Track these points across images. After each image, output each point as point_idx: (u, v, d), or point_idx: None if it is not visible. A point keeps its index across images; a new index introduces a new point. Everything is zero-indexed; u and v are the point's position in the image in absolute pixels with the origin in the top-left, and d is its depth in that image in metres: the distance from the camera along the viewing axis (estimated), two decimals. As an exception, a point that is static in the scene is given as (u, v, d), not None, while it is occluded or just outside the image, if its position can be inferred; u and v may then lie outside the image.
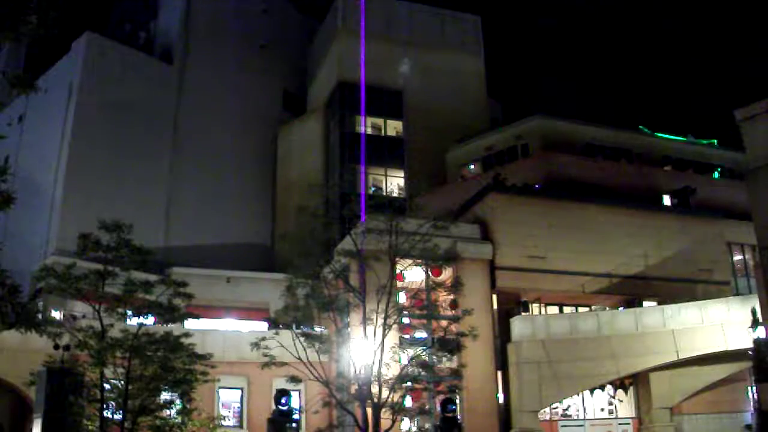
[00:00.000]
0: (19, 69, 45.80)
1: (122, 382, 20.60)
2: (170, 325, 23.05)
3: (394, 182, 45.21)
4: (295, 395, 24.01)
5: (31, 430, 17.23)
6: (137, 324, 21.56)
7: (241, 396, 29.33)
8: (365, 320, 22.05)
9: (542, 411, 29.78)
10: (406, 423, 26.82)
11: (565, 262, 32.55)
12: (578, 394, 31.11)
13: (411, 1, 49.96)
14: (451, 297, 25.67)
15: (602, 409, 32.06)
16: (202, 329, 28.57)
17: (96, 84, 41.68)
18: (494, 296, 31.49)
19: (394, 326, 23.34)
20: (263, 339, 22.01)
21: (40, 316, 18.53)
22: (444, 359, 24.09)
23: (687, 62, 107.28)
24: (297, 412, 22.81)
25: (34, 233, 38.87)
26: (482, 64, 50.12)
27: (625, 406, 32.13)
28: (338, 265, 24.47)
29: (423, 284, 27.20)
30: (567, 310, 33.68)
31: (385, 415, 21.32)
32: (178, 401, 22.35)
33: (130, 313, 22.36)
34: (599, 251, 33.46)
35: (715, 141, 46.35)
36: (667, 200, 40.08)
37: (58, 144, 40.53)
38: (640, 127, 44.92)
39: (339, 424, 25.61)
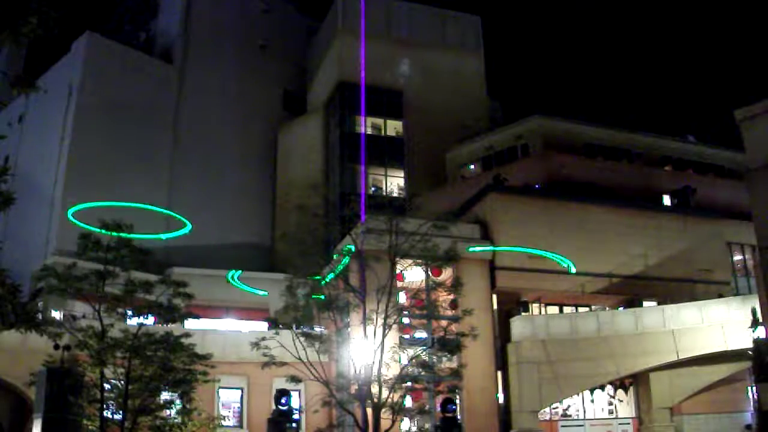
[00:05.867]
0: (19, 69, 45.84)
1: (122, 382, 20.58)
2: (170, 325, 23.04)
3: (394, 182, 45.20)
4: (295, 395, 24.02)
5: (31, 430, 17.23)
6: (137, 324, 21.55)
7: (241, 396, 29.31)
8: (365, 320, 22.04)
9: (542, 411, 29.78)
10: (406, 423, 26.82)
11: (566, 262, 32.55)
12: (578, 394, 31.11)
13: (411, 1, 49.94)
14: (451, 297, 25.66)
15: (602, 409, 32.06)
16: (202, 329, 28.55)
17: (96, 84, 41.67)
18: (494, 296, 31.49)
19: (394, 326, 23.33)
20: (263, 339, 22.00)
21: (40, 316, 18.52)
22: (444, 359, 24.05)
23: (687, 62, 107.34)
24: (297, 412, 22.84)
25: (34, 233, 38.87)
26: (482, 64, 50.10)
27: (625, 406, 32.14)
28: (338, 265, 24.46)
29: (423, 284, 27.20)
30: (567, 310, 33.69)
31: (385, 415, 21.31)
32: (178, 401, 22.33)
33: (130, 313, 22.35)
34: (599, 251, 33.46)
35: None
36: (667, 200, 40.11)
37: (58, 144, 40.52)
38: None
39: (339, 424, 25.60)
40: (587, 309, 33.94)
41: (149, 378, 20.91)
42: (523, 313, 31.26)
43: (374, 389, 21.40)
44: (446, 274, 29.09)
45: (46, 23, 9.42)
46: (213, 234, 44.01)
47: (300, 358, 21.71)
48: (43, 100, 40.20)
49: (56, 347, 18.68)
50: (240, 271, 39.41)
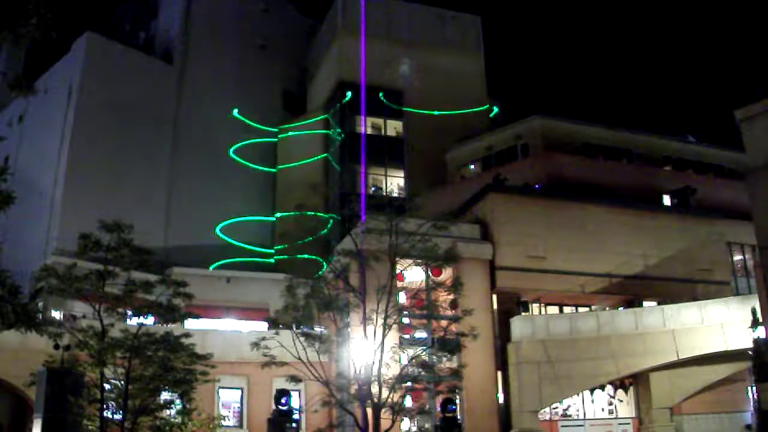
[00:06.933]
0: (19, 69, 45.88)
1: (122, 382, 20.59)
2: (170, 325, 23.05)
3: (394, 182, 45.22)
4: (295, 395, 24.03)
5: (31, 430, 17.24)
6: (137, 324, 21.56)
7: (241, 396, 29.32)
8: (365, 320, 22.05)
9: (542, 411, 29.78)
10: (406, 423, 26.82)
11: (565, 262, 32.56)
12: (578, 394, 31.10)
13: (411, 1, 49.94)
14: (451, 297, 25.66)
15: (602, 409, 32.06)
16: (202, 329, 28.57)
17: (96, 84, 41.66)
18: (494, 296, 31.48)
19: (394, 326, 23.34)
20: (263, 339, 22.00)
21: (40, 316, 18.51)
22: (444, 359, 24.07)
23: (687, 62, 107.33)
24: (297, 412, 22.84)
25: (34, 233, 38.87)
26: (482, 64, 50.08)
27: (625, 406, 32.13)
28: (338, 265, 24.46)
29: (423, 284, 27.19)
30: (567, 310, 33.68)
31: (385, 415, 21.32)
32: (178, 401, 22.34)
33: (130, 313, 22.36)
34: (599, 251, 33.45)
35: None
36: (667, 200, 40.12)
37: (58, 144, 40.51)
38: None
39: (339, 424, 25.62)
40: (587, 309, 33.93)
41: (149, 378, 20.93)
42: (523, 313, 31.24)
43: (374, 389, 21.41)
44: (446, 274, 29.10)
45: (44, 25, 9.41)
46: (213, 234, 44.04)
47: (300, 358, 21.72)
48: (43, 100, 40.21)
49: (56, 347, 18.69)
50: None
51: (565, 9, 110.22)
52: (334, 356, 24.69)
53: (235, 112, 47.59)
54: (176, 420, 22.18)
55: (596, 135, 42.56)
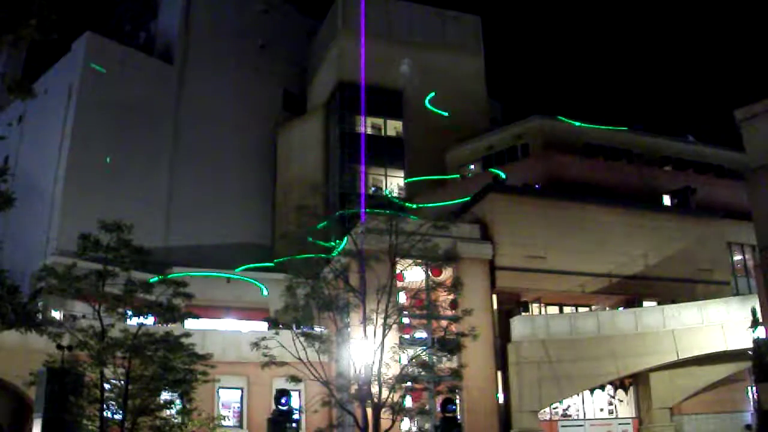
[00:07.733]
0: (19, 70, 45.91)
1: (122, 382, 20.59)
2: (170, 325, 23.05)
3: (394, 182, 45.22)
4: (295, 395, 24.01)
5: (31, 430, 17.23)
6: (137, 324, 21.56)
7: (241, 396, 29.31)
8: (365, 320, 22.04)
9: (542, 411, 29.77)
10: (406, 423, 26.81)
11: (565, 262, 32.53)
12: (578, 394, 31.10)
13: (411, 1, 49.97)
14: (451, 297, 25.65)
15: (602, 409, 32.05)
16: (202, 329, 28.54)
17: (96, 84, 41.69)
18: (494, 296, 31.47)
19: (394, 326, 23.33)
20: (263, 339, 22.00)
21: (40, 316, 18.50)
22: (444, 359, 24.06)
23: (687, 62, 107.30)
24: (297, 412, 22.83)
25: (34, 233, 38.89)
26: (482, 64, 50.12)
27: (625, 406, 32.12)
28: (338, 265, 24.48)
29: (423, 284, 27.19)
30: (567, 310, 33.66)
31: (385, 415, 21.32)
32: (178, 401, 22.34)
33: (130, 313, 22.36)
34: (599, 251, 33.43)
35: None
36: (667, 200, 40.11)
37: (58, 144, 40.55)
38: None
39: (339, 424, 25.60)
40: (587, 309, 33.92)
41: (149, 378, 20.92)
42: (523, 313, 31.24)
43: (374, 389, 21.41)
44: (446, 274, 29.09)
45: (46, 27, 9.41)
46: (213, 234, 44.03)
47: (300, 358, 21.72)
48: (43, 100, 40.21)
49: (59, 347, 18.70)
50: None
51: (566, 9, 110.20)
52: (334, 356, 24.67)
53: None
54: (176, 420, 22.17)
55: (596, 135, 42.56)
